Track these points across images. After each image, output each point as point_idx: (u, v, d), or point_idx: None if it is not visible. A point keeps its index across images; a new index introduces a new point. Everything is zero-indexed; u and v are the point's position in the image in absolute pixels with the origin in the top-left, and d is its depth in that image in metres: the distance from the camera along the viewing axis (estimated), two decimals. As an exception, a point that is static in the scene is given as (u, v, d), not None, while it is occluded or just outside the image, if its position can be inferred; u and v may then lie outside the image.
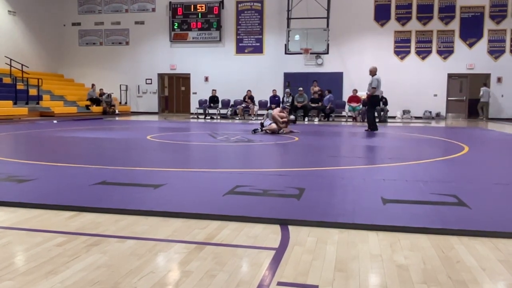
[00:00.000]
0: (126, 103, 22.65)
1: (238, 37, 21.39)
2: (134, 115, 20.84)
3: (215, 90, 19.77)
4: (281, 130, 10.52)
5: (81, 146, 7.70)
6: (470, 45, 19.46)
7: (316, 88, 18.24)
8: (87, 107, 19.72)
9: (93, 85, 20.85)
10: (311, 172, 4.89)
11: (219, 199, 3.48)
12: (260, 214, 3.07)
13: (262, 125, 10.79)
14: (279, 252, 2.43)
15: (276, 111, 10.87)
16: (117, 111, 20.26)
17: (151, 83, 22.62)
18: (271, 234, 2.73)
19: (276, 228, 2.85)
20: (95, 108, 19.82)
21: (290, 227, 2.85)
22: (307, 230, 2.82)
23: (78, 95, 20.65)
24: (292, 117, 11.86)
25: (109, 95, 20.35)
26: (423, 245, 2.57)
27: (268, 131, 10.45)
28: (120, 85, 22.43)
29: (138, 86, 22.63)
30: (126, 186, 3.96)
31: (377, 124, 12.31)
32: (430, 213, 3.15)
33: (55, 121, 14.45)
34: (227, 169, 5.10)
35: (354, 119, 17.42)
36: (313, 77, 19.59)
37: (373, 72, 11.70)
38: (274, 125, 10.46)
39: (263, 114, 17.33)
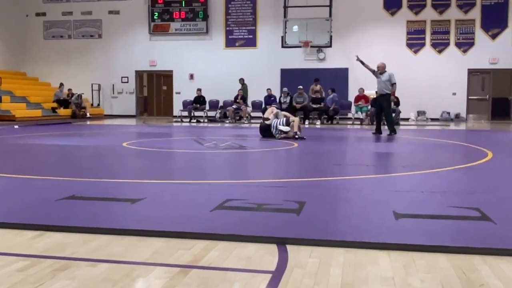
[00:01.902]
0: (98, 105, 22.60)
1: (227, 28, 21.45)
2: (108, 118, 20.79)
3: (201, 90, 19.77)
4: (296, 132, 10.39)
5: (47, 155, 7.65)
6: (493, 37, 19.63)
7: (317, 87, 18.29)
8: (53, 109, 19.65)
9: (60, 84, 20.79)
10: (313, 183, 4.89)
11: (207, 215, 3.47)
12: (254, 232, 3.06)
13: (265, 129, 10.59)
14: (276, 276, 2.42)
15: (269, 110, 10.86)
16: (88, 114, 20.19)
17: (127, 82, 22.59)
18: (266, 255, 2.72)
19: (273, 248, 2.84)
20: (63, 111, 19.74)
21: (289, 247, 2.84)
22: (308, 250, 2.81)
23: (43, 96, 20.57)
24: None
25: (79, 96, 20.28)
26: (442, 266, 2.57)
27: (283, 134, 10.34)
28: (92, 84, 22.39)
29: (113, 85, 22.60)
30: (98, 201, 3.94)
31: (395, 127, 12.47)
32: (449, 229, 3.15)
33: (16, 126, 14.37)
34: (215, 180, 5.08)
35: (362, 121, 17.48)
36: (314, 74, 19.64)
37: (383, 68, 11.87)
38: (288, 128, 10.36)
39: (257, 117, 17.37)
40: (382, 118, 12.15)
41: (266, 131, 10.58)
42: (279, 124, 10.43)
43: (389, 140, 10.72)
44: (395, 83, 11.85)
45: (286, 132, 10.29)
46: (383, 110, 11.96)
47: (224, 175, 5.68)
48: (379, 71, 11.89)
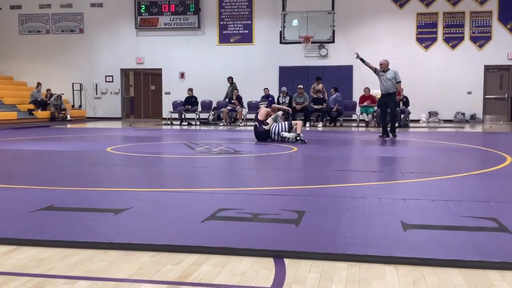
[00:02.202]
0: (80, 106, 22.59)
1: (221, 22, 21.50)
2: (90, 121, 20.78)
3: (192, 90, 19.77)
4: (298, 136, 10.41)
5: (22, 161, 7.64)
6: (512, 30, 19.72)
7: (319, 86, 18.32)
8: (30, 112, 19.63)
9: (38, 84, 20.78)
10: (313, 191, 4.89)
11: (197, 227, 3.47)
12: (249, 245, 3.05)
13: (262, 134, 10.57)
14: (273, 293, 2.42)
15: (264, 111, 10.79)
16: (68, 117, 20.18)
17: (112, 81, 22.60)
18: (262, 270, 2.71)
19: (269, 262, 2.83)
20: (40, 113, 19.72)
21: (287, 261, 2.84)
22: (308, 264, 2.80)
23: (19, 97, 20.56)
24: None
25: (58, 97, 20.28)
26: (455, 282, 2.57)
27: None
28: (73, 84, 22.39)
29: (96, 85, 22.60)
30: (78, 211, 3.93)
31: (397, 128, 12.61)
32: (463, 241, 3.15)
33: (-11, 131, 14.34)
34: (207, 188, 5.08)
35: (367, 124, 17.51)
36: (316, 72, 19.71)
37: (386, 65, 12.00)
38: (293, 134, 10.37)
39: (253, 119, 17.36)
40: (388, 120, 12.17)
41: (264, 136, 10.56)
42: (282, 130, 10.41)
43: (397, 144, 10.72)
44: (400, 81, 11.99)
45: (290, 138, 10.30)
46: (390, 110, 12.01)
47: (217, 183, 5.68)
48: (382, 69, 11.94)
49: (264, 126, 10.57)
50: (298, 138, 10.18)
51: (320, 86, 18.40)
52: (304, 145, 9.81)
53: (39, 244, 3.15)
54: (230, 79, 19.88)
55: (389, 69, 11.95)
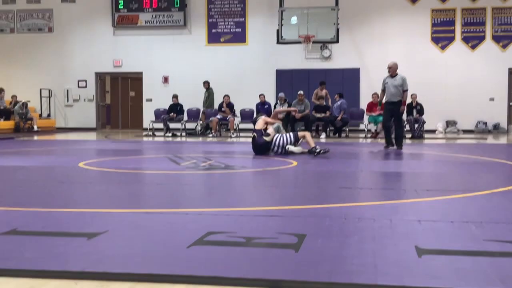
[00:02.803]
0: (49, 115, 22.59)
1: (210, 20, 21.60)
2: (61, 132, 20.75)
3: (177, 97, 19.79)
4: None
5: (-17, 178, 7.60)
6: (539, 28, 19.89)
7: (323, 92, 18.38)
8: (-8, 122, 19.59)
9: (0, 90, 20.76)
10: (315, 212, 4.88)
11: (183, 253, 3.45)
12: (242, 273, 3.04)
13: (263, 146, 10.57)
14: (269, 329, 2.41)
15: (262, 121, 10.81)
16: (35, 128, 20.15)
17: (85, 87, 22.63)
18: (257, 303, 2.70)
19: (265, 293, 2.82)
20: (3, 124, 19.69)
21: (285, 292, 2.83)
22: (310, 295, 2.80)
23: (-21, 105, 20.51)
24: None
25: (24, 105, 20.26)
26: (476, 315, 2.56)
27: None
28: (41, 89, 22.40)
29: (67, 91, 22.62)
30: (46, 236, 3.91)
31: (411, 140, 12.74)
32: (486, 268, 3.15)
33: None
34: (194, 208, 5.07)
35: (377, 134, 17.55)
36: (318, 76, 19.81)
37: (395, 69, 12.18)
38: (300, 148, 10.46)
39: (247, 129, 17.37)
40: (392, 128, 12.35)
41: (263, 149, 10.52)
42: (287, 143, 10.39)
43: (410, 157, 10.74)
44: (407, 90, 12.18)
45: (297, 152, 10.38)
46: (396, 120, 12.18)
47: (205, 202, 5.66)
48: (390, 74, 12.08)
49: (265, 137, 10.48)
50: (317, 151, 10.14)
51: (324, 92, 18.45)
52: (305, 158, 9.82)
53: (0, 274, 3.13)
54: (207, 84, 19.94)
55: (397, 74, 12.06)
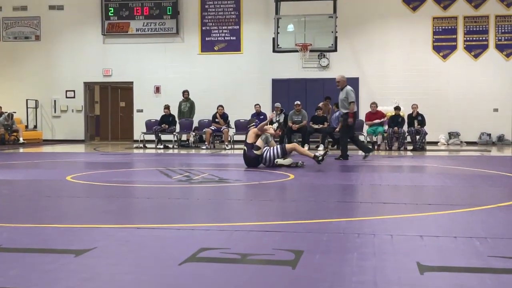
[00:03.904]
0: (35, 127, 22.55)
1: (204, 28, 21.66)
2: (48, 144, 20.71)
3: (169, 107, 19.77)
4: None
5: (-34, 193, 7.58)
6: (544, 37, 19.98)
7: (327, 108, 18.51)
8: (-25, 133, 19.54)
9: (-15, 100, 20.76)
10: (313, 226, 4.88)
11: (174, 270, 3.44)
12: (236, 292, 3.03)
13: (253, 159, 10.61)
14: None
15: (252, 133, 10.82)
16: (21, 140, 20.12)
17: (74, 97, 22.61)
18: (252, 323, 2.69)
19: (260, 312, 2.82)
20: (-12, 136, 19.64)
21: (282, 311, 2.82)
22: (307, 315, 2.79)
23: (-37, 116, 20.47)
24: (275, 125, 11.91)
25: (9, 116, 20.24)
26: (481, 334, 2.56)
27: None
28: (27, 100, 22.37)
29: (54, 101, 22.60)
30: (32, 253, 3.89)
31: (412, 152, 12.88)
32: (490, 286, 3.15)
33: None
34: (187, 223, 5.06)
35: (378, 146, 17.57)
36: (315, 85, 19.86)
37: (343, 82, 12.89)
38: (290, 160, 10.55)
39: (243, 141, 17.38)
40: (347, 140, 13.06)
41: (255, 162, 10.57)
42: (275, 156, 10.48)
43: (412, 170, 10.74)
44: (352, 101, 12.74)
45: (287, 164, 10.49)
46: (341, 130, 13.22)
47: (198, 217, 5.65)
48: (339, 87, 12.88)
49: (255, 151, 10.54)
50: (320, 159, 10.43)
51: (329, 108, 18.58)
52: (302, 171, 9.83)
53: (-16, 293, 3.11)
54: (186, 93, 19.95)
55: (346, 86, 12.82)
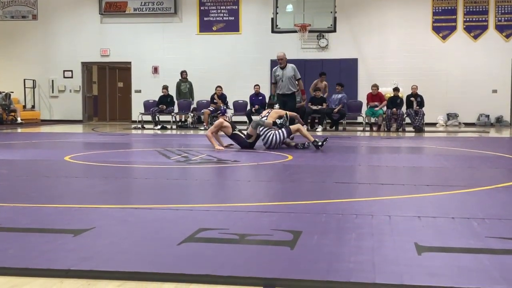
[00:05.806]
0: (33, 107, 22.50)
1: (202, 8, 21.54)
2: (45, 124, 20.69)
3: (167, 88, 19.73)
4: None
5: (-36, 172, 7.58)
6: (544, 17, 19.90)
7: (323, 84, 18.39)
8: (-27, 114, 19.51)
9: (-18, 80, 20.69)
10: (311, 207, 4.89)
11: (173, 250, 3.45)
12: (235, 272, 3.04)
13: (245, 145, 10.64)
14: (263, 329, 2.41)
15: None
16: (19, 120, 20.08)
17: (71, 77, 22.55)
18: (250, 302, 2.71)
19: (259, 292, 2.83)
20: (-15, 116, 19.61)
21: (280, 291, 2.83)
22: (305, 294, 2.80)
23: (-40, 96, 20.42)
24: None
25: (6, 96, 20.18)
26: (478, 314, 2.57)
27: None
28: (25, 80, 22.30)
29: (52, 81, 22.53)
30: (30, 232, 3.90)
31: (411, 133, 12.73)
32: (488, 266, 3.16)
33: None
34: (185, 204, 5.06)
35: (378, 127, 17.56)
36: (314, 66, 19.80)
37: (285, 60, 12.35)
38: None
39: (241, 122, 17.37)
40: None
41: (248, 147, 10.61)
42: (282, 138, 10.41)
43: (410, 151, 10.75)
44: (300, 78, 12.41)
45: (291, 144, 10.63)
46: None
47: (197, 198, 5.66)
48: (280, 65, 12.30)
49: (248, 140, 10.61)
50: (320, 144, 10.28)
51: (324, 84, 18.45)
52: (300, 152, 9.83)
53: (-17, 272, 3.12)
54: (185, 74, 19.87)
55: (287, 64, 12.30)
